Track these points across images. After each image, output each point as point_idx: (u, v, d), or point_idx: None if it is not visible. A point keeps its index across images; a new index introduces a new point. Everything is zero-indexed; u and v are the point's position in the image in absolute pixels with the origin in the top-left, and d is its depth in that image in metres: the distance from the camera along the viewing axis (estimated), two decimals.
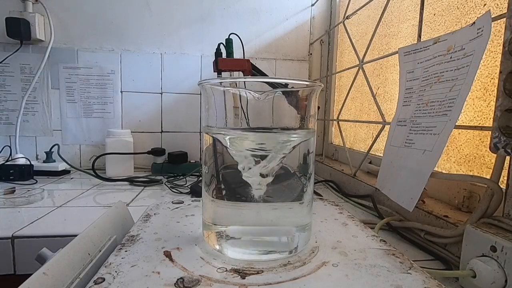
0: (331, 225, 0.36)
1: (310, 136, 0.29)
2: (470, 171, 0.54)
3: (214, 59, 0.88)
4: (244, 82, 0.29)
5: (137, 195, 0.77)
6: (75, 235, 0.31)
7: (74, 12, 1.08)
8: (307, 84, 0.27)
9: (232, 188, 0.28)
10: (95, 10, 1.09)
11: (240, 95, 0.27)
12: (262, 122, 0.27)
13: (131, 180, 0.91)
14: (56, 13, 1.06)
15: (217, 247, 0.28)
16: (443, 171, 0.60)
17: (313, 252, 0.29)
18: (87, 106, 1.11)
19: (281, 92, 0.26)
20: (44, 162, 1.00)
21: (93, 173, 0.91)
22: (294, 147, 0.27)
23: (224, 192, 0.28)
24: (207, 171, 0.29)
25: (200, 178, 0.76)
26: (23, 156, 0.98)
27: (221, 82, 0.30)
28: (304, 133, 0.28)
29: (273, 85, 0.27)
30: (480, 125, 0.52)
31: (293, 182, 0.28)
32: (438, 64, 0.48)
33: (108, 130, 1.03)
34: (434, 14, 0.65)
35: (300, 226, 0.29)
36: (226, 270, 0.25)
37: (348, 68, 0.93)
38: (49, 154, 1.01)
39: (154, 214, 0.38)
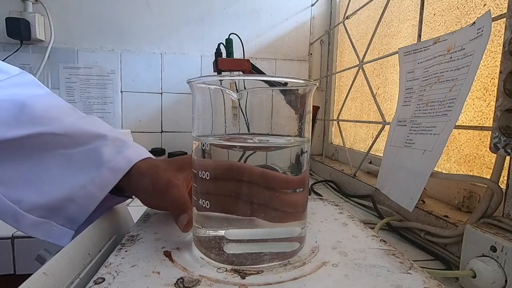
0: (331, 225, 0.36)
1: (304, 143, 0.28)
2: (470, 171, 0.54)
3: (214, 59, 0.88)
4: (244, 81, 0.29)
5: None
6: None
7: (74, 12, 1.08)
8: (301, 83, 0.27)
9: None
10: (95, 10, 1.09)
11: (223, 95, 0.26)
12: (257, 121, 0.27)
13: None
14: (56, 13, 1.06)
15: (205, 252, 0.27)
16: (443, 171, 0.60)
17: (313, 252, 0.29)
18: (87, 106, 1.11)
19: (267, 90, 0.26)
20: None
21: None
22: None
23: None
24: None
25: None
26: None
27: (221, 81, 0.29)
28: (297, 142, 0.27)
29: (271, 84, 0.26)
30: (480, 125, 0.52)
31: None
32: (438, 64, 0.48)
33: None
34: (434, 14, 0.65)
35: (293, 230, 0.28)
36: (226, 270, 0.25)
37: (348, 68, 0.93)
38: None
39: (154, 214, 0.38)
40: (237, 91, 0.26)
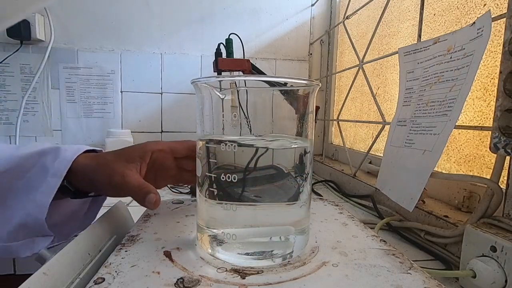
0: (331, 225, 0.36)
1: (307, 144, 0.28)
2: (470, 171, 0.54)
3: (214, 59, 0.88)
4: (245, 81, 0.28)
5: None
6: (75, 235, 0.31)
7: (74, 12, 1.08)
8: (304, 83, 0.27)
9: (224, 189, 0.27)
10: (95, 10, 1.09)
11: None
12: (260, 122, 0.27)
13: None
14: (56, 13, 1.06)
15: (210, 251, 0.27)
16: (443, 171, 0.60)
17: (313, 252, 0.29)
18: (87, 106, 1.11)
19: (270, 91, 0.26)
20: None
21: None
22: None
23: (216, 192, 0.28)
24: (200, 172, 0.29)
25: None
26: None
27: (220, 82, 0.29)
28: (300, 143, 0.28)
29: (272, 84, 0.26)
30: (480, 125, 0.52)
31: (287, 183, 0.27)
32: (438, 64, 0.48)
33: (108, 130, 1.03)
34: (434, 14, 0.65)
35: (296, 230, 0.28)
36: (226, 270, 0.25)
37: (348, 68, 0.93)
38: None
39: (154, 214, 0.38)
40: (237, 92, 0.26)
